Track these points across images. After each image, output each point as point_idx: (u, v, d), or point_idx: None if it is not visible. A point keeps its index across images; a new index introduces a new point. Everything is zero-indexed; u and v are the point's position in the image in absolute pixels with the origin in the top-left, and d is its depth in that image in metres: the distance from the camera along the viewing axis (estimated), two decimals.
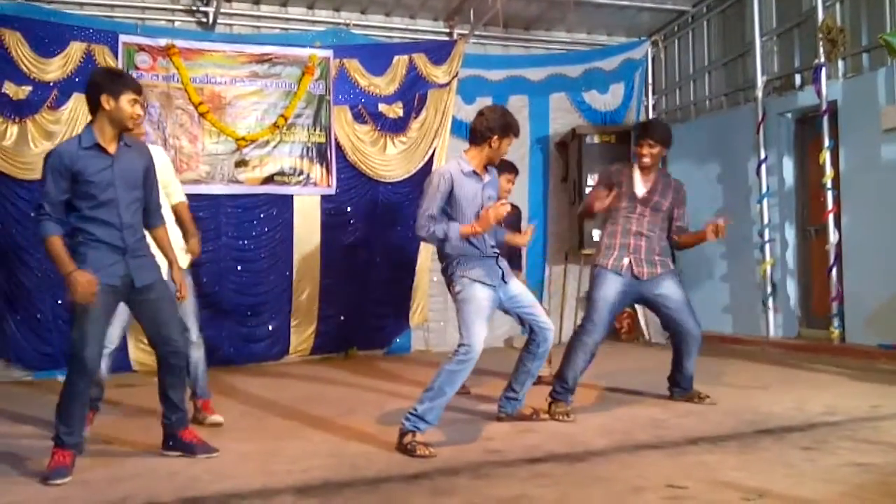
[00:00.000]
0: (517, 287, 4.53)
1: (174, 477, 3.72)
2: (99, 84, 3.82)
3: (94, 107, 3.82)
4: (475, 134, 4.40)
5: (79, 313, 3.73)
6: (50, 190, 3.72)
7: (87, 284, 3.67)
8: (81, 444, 3.86)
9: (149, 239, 4.09)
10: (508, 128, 4.38)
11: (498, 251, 4.52)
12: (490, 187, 4.49)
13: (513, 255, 6.24)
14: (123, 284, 3.85)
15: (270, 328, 7.83)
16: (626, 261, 4.99)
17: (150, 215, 4.09)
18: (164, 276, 4.22)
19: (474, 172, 4.39)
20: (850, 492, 3.18)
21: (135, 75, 7.30)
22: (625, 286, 4.99)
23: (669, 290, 5.06)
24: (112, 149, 3.83)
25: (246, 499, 3.35)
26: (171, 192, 4.94)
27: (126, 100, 3.80)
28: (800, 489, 3.22)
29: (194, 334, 4.89)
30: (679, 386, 5.28)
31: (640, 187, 5.07)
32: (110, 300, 3.85)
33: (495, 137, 4.35)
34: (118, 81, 3.86)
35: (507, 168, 6.24)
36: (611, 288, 4.97)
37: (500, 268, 4.43)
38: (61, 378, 6.59)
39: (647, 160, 5.04)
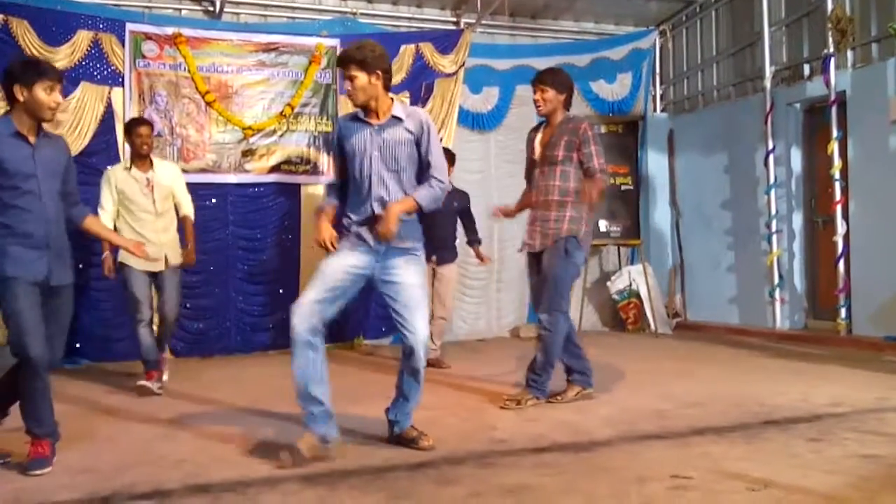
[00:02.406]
0: (404, 276, 3.87)
1: (181, 464, 3.74)
2: (11, 74, 3.68)
3: (10, 98, 3.69)
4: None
5: (12, 316, 3.64)
6: None
7: None
8: (55, 430, 3.80)
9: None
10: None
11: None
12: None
13: (445, 243, 6.45)
14: (43, 282, 3.71)
15: (277, 317, 7.84)
16: (526, 237, 4.96)
17: (74, 207, 3.98)
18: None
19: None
20: (856, 483, 3.18)
21: (141, 64, 7.35)
22: (536, 262, 4.93)
23: (544, 256, 4.82)
24: (32, 139, 3.71)
25: (252, 486, 3.36)
26: (182, 202, 5.86)
27: (41, 88, 3.65)
28: (805, 480, 3.22)
29: (172, 315, 5.74)
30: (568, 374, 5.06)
31: (537, 148, 4.94)
32: (37, 294, 3.69)
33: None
34: (31, 70, 3.70)
35: None
36: (529, 267, 5.03)
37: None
38: (68, 366, 6.66)
39: (539, 106, 4.89)
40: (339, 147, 3.97)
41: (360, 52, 3.78)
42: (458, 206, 6.55)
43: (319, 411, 3.75)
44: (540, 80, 4.93)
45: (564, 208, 4.80)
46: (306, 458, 3.64)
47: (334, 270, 3.80)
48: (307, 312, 3.71)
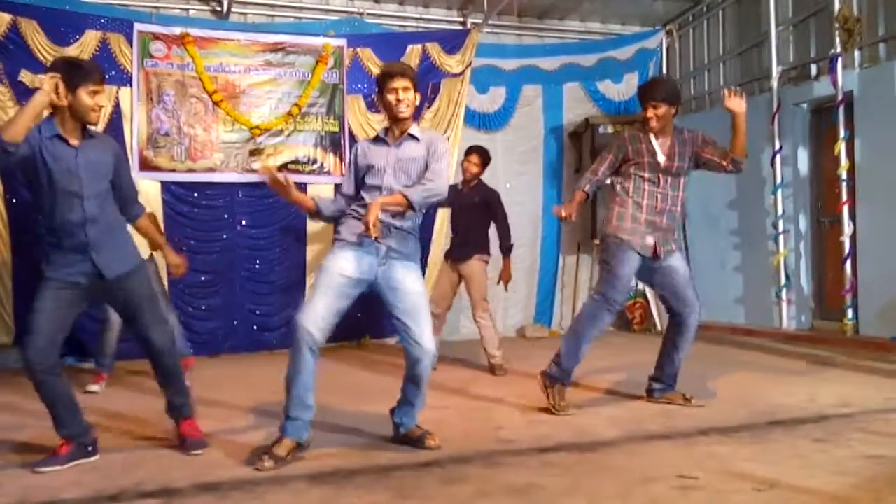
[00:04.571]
0: (408, 283, 3.89)
1: (189, 463, 3.76)
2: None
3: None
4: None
5: (34, 311, 3.66)
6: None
7: (49, 78, 3.46)
8: (82, 434, 3.81)
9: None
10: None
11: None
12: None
13: (464, 239, 6.37)
14: (90, 280, 3.73)
15: (284, 316, 7.85)
16: (650, 241, 4.73)
17: (128, 205, 4.00)
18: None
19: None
20: (862, 484, 3.19)
21: (149, 64, 7.38)
22: (641, 264, 4.78)
23: (677, 262, 4.83)
24: (75, 141, 3.69)
25: (260, 485, 3.38)
26: None
27: (85, 92, 3.63)
28: (811, 480, 3.22)
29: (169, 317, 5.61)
30: (661, 381, 4.97)
31: (661, 155, 4.74)
32: (69, 296, 3.71)
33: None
34: (76, 74, 3.64)
35: (473, 150, 6.55)
36: (632, 267, 4.74)
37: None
38: (74, 365, 6.70)
39: (654, 123, 4.71)
40: (354, 165, 4.04)
41: (412, 71, 4.01)
42: (479, 199, 6.41)
43: (308, 418, 3.78)
44: (652, 96, 4.71)
45: (677, 218, 4.88)
46: (287, 460, 3.66)
47: (341, 277, 3.80)
48: (319, 325, 3.72)
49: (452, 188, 6.51)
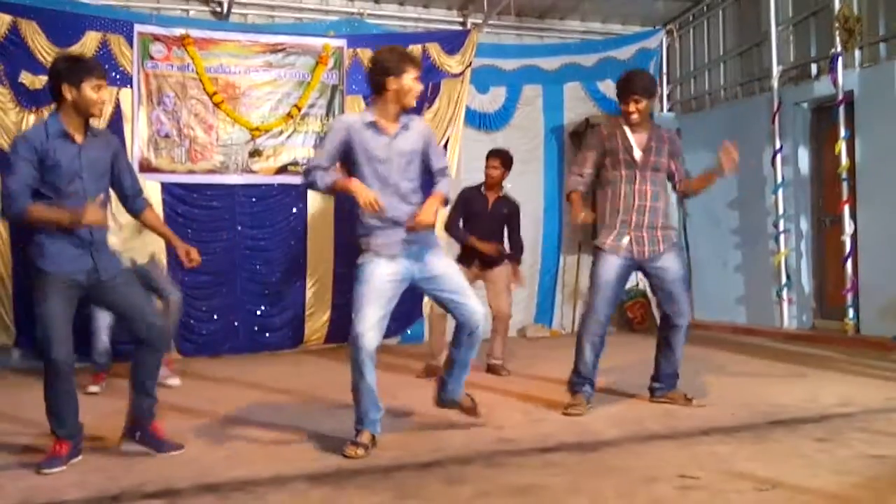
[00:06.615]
0: (442, 266, 4.10)
1: (190, 464, 3.75)
2: (58, 73, 3.68)
3: (57, 96, 3.70)
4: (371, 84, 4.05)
5: (40, 315, 3.66)
6: (20, 175, 3.59)
7: (93, 211, 3.54)
8: (77, 434, 3.83)
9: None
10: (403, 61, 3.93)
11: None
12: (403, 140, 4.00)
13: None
14: (88, 278, 3.75)
15: (285, 317, 7.86)
16: (625, 240, 4.69)
17: (132, 201, 4.03)
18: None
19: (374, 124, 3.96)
20: (864, 483, 3.18)
21: (150, 65, 7.38)
22: (625, 264, 4.72)
23: (668, 262, 4.73)
24: (79, 138, 3.72)
25: (261, 485, 3.38)
26: None
27: (89, 86, 3.66)
28: (813, 480, 3.22)
29: (175, 293, 5.88)
30: (661, 381, 4.92)
31: (637, 149, 4.69)
32: (71, 294, 3.73)
33: (391, 78, 3.91)
34: (79, 69, 3.69)
35: (493, 154, 6.51)
36: (610, 271, 4.69)
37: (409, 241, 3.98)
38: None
39: (635, 117, 4.66)
40: (345, 143, 3.95)
41: None
42: (506, 212, 6.44)
43: (379, 416, 4.00)
44: (633, 90, 4.67)
45: (669, 217, 4.86)
46: (370, 448, 3.87)
47: (383, 283, 3.94)
48: (376, 333, 3.90)
49: (476, 190, 6.52)
